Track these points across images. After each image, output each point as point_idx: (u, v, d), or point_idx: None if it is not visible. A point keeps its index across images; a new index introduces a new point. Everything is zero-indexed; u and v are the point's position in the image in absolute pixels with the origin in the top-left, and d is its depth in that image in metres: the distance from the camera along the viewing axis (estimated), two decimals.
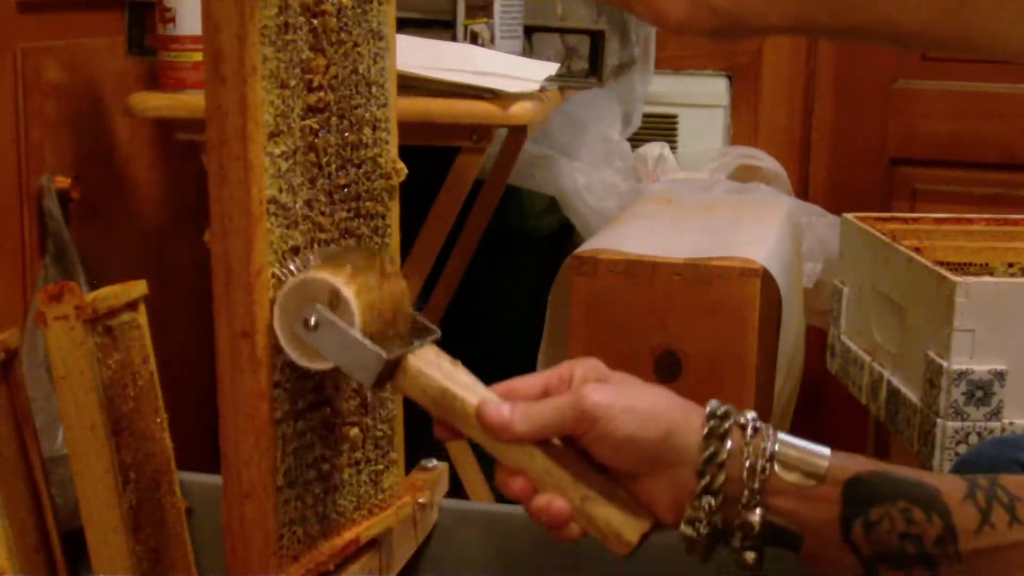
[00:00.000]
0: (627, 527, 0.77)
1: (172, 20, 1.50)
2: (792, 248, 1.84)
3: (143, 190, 1.83)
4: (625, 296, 1.56)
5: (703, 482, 0.75)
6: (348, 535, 0.88)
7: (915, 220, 1.86)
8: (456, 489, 1.45)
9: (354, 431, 0.88)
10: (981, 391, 1.51)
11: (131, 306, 0.96)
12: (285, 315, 0.77)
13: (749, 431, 0.75)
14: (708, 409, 0.77)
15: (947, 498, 0.73)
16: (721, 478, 0.74)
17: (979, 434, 1.55)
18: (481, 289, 1.96)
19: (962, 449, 1.56)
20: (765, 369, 1.66)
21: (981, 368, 1.50)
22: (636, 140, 2.13)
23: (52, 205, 1.54)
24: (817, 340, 2.09)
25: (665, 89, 2.24)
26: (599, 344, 1.57)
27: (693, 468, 0.75)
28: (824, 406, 2.30)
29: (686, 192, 2.03)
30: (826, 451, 0.75)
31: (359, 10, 0.85)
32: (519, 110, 1.49)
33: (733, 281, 1.53)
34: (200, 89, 1.51)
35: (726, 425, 0.75)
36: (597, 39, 1.63)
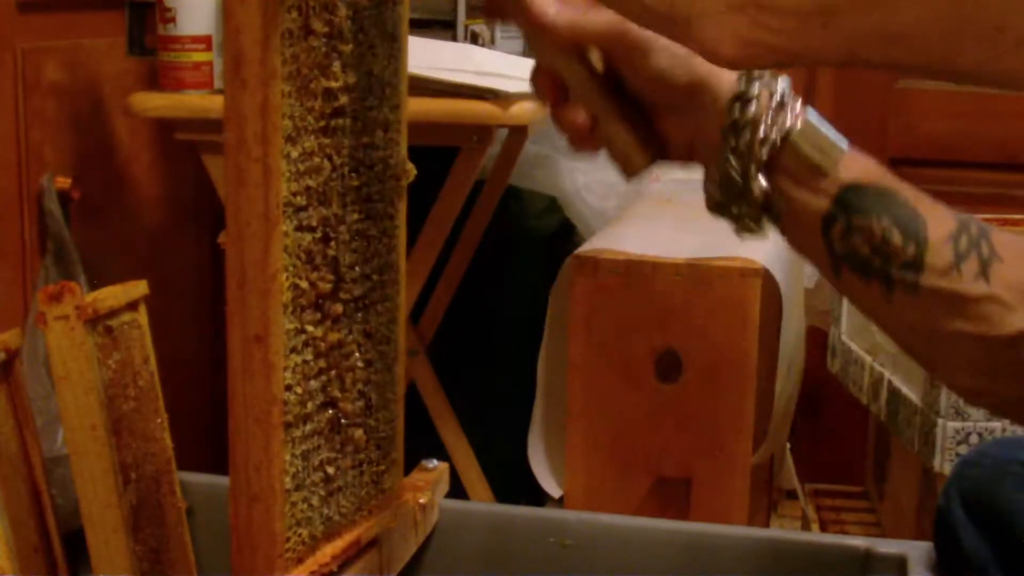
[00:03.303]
0: (637, 152, 0.81)
1: (172, 20, 1.50)
2: None
3: (143, 190, 1.83)
4: (625, 296, 1.56)
5: (729, 143, 0.76)
6: (349, 536, 0.88)
7: None
8: (456, 489, 1.45)
9: (359, 432, 0.87)
10: None
11: (131, 306, 0.95)
12: None
13: (776, 99, 0.77)
14: (738, 75, 0.78)
15: (931, 232, 0.73)
16: (744, 138, 0.76)
17: (980, 434, 1.55)
18: (481, 289, 1.96)
19: (963, 449, 1.56)
20: (766, 369, 1.66)
21: None
22: None
23: (52, 205, 1.54)
24: (817, 340, 2.09)
25: None
26: (599, 344, 1.57)
27: (717, 121, 0.77)
28: (824, 406, 2.30)
29: (686, 192, 2.02)
30: (844, 145, 0.77)
31: (375, 11, 0.84)
32: (519, 110, 1.49)
33: (733, 281, 1.53)
34: (200, 89, 1.53)
35: (754, 90, 0.77)
36: None
